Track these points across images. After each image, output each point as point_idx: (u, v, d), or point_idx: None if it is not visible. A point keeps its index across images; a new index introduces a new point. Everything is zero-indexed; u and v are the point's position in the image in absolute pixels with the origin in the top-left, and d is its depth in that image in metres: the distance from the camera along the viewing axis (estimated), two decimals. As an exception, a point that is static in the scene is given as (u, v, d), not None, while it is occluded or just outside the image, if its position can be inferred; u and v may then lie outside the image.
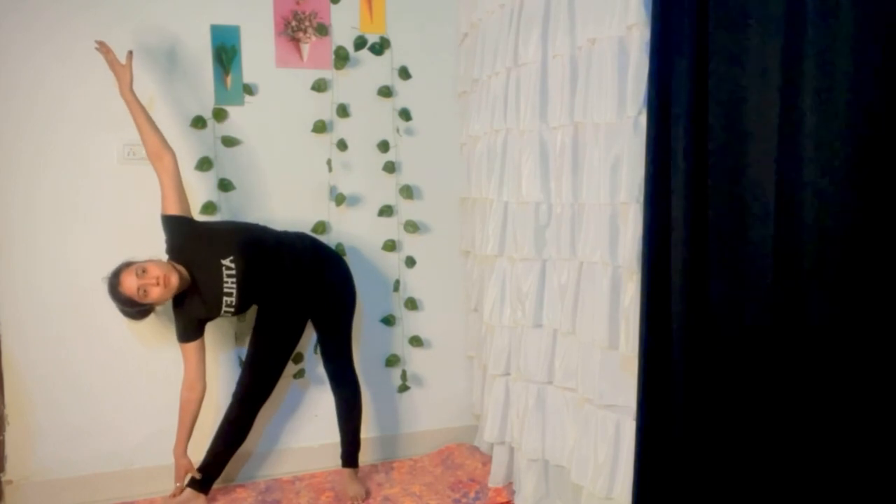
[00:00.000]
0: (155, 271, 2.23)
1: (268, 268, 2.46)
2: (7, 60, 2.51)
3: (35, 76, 2.54)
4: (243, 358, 2.71)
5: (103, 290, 2.64)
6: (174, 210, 2.38)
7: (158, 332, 2.68)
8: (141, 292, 2.23)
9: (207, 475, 2.54)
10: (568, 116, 2.29)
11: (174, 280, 2.26)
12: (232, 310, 2.42)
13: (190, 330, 2.43)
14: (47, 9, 2.53)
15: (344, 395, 2.71)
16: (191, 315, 2.41)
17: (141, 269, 2.24)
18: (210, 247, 2.38)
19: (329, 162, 2.91)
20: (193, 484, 2.52)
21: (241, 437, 2.58)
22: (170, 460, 2.58)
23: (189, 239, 2.39)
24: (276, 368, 2.60)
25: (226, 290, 2.37)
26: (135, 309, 2.31)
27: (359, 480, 2.73)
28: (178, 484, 2.50)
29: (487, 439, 2.78)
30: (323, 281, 2.61)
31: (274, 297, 2.52)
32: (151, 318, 2.46)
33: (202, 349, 2.47)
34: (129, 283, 2.23)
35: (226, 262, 2.36)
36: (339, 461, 2.75)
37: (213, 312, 2.41)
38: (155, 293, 2.24)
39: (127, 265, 2.29)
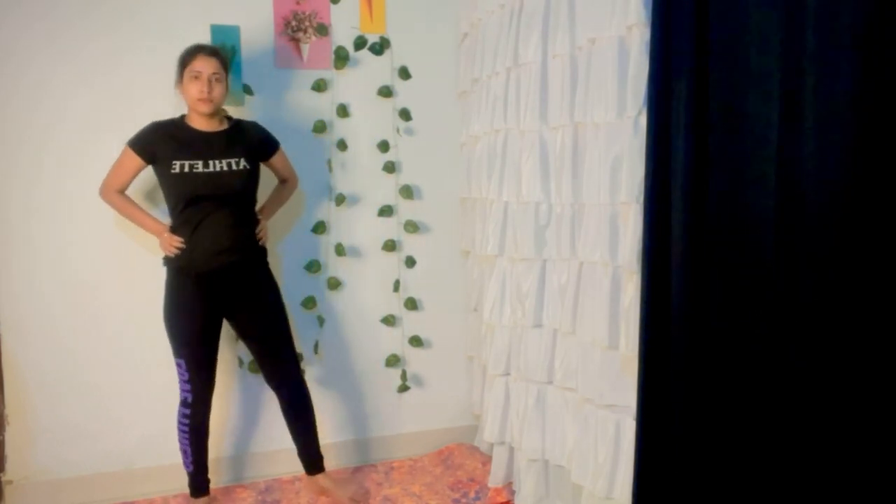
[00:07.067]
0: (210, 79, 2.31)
1: (229, 211, 2.36)
2: (9, 61, 2.51)
3: (36, 76, 2.54)
4: (242, 356, 2.71)
5: (104, 289, 2.65)
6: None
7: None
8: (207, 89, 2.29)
9: (201, 480, 2.51)
10: (568, 116, 2.29)
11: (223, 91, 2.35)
12: (194, 170, 2.29)
13: (147, 148, 2.33)
14: (49, 9, 2.53)
15: (296, 397, 2.56)
16: (165, 140, 2.32)
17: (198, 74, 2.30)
18: (251, 149, 2.43)
19: (329, 162, 2.91)
20: (194, 492, 2.51)
21: (207, 429, 2.48)
22: (170, 461, 2.58)
23: (251, 131, 2.50)
24: (213, 355, 2.45)
25: (217, 161, 2.31)
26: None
27: (343, 480, 2.64)
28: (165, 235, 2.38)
29: (487, 439, 2.78)
30: (254, 275, 2.48)
31: (203, 256, 2.34)
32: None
33: (135, 173, 2.40)
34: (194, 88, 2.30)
35: (239, 161, 2.36)
36: (338, 461, 2.74)
37: (181, 154, 2.30)
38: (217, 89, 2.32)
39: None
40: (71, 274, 2.61)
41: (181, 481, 2.55)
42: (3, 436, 2.57)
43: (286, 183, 2.68)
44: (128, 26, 2.61)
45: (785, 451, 1.58)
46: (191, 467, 2.48)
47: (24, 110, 2.53)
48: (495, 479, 2.74)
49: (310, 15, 2.85)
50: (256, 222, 2.49)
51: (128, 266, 2.67)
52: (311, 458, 2.61)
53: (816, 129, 1.48)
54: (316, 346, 2.92)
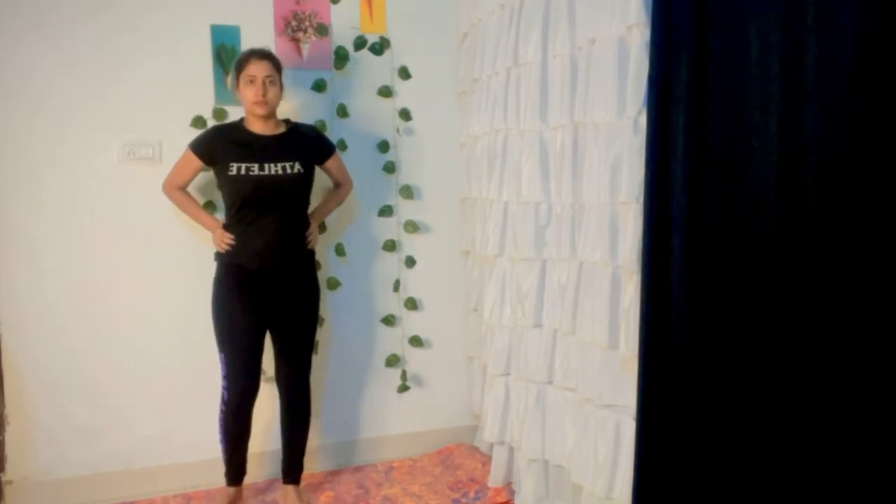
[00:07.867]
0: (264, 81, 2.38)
1: (281, 213, 2.43)
2: (11, 63, 2.51)
3: (37, 78, 2.53)
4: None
5: (104, 289, 2.65)
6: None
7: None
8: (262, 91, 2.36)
9: (231, 473, 2.55)
10: (568, 116, 2.29)
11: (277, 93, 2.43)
12: (250, 173, 2.36)
13: (206, 151, 2.42)
14: (51, 10, 2.53)
15: (299, 407, 2.60)
16: (224, 143, 2.40)
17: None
18: (307, 153, 2.48)
19: (329, 162, 2.91)
20: (227, 481, 2.55)
21: (241, 429, 2.52)
22: (170, 461, 2.57)
23: (307, 134, 2.58)
24: (257, 357, 2.50)
25: (272, 164, 2.37)
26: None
27: (305, 497, 2.64)
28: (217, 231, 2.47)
29: (487, 439, 2.78)
30: (298, 278, 2.53)
31: (251, 255, 2.41)
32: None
33: (195, 173, 2.49)
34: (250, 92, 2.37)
35: (294, 165, 2.41)
36: (338, 461, 2.74)
37: (238, 157, 2.37)
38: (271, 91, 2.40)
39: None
40: (72, 273, 2.61)
41: (181, 481, 2.56)
42: (3, 436, 2.57)
43: (340, 187, 2.73)
44: (128, 27, 2.61)
45: (785, 449, 1.58)
46: (225, 455, 2.52)
47: (26, 111, 2.53)
48: (495, 479, 2.74)
49: (310, 15, 2.85)
50: (307, 225, 2.53)
51: (129, 265, 2.66)
52: (291, 469, 2.62)
53: (818, 128, 1.48)
54: (316, 346, 2.92)
